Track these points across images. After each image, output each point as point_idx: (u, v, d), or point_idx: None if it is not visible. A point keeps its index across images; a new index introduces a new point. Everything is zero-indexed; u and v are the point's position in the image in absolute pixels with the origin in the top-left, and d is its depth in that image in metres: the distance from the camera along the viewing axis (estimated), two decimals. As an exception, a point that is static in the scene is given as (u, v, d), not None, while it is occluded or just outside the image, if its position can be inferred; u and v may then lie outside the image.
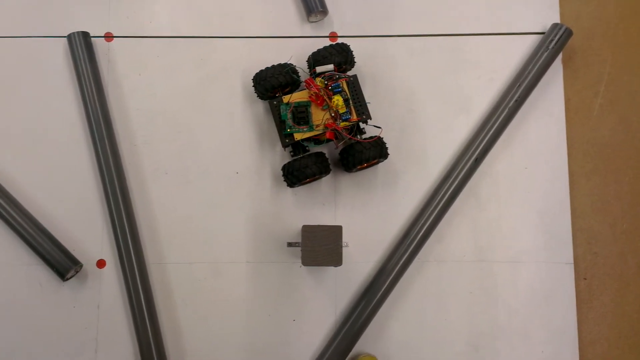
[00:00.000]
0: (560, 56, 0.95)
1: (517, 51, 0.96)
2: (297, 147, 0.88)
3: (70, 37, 0.92)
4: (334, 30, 0.96)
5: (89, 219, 0.89)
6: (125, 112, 0.92)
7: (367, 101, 0.87)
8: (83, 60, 0.91)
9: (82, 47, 0.91)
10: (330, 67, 0.86)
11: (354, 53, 0.89)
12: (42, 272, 0.87)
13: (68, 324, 0.86)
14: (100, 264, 0.88)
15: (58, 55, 0.93)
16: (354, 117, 0.85)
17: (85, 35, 0.92)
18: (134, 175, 0.91)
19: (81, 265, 0.87)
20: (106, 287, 0.88)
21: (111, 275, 0.88)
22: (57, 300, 0.87)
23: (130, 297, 0.85)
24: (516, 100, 0.91)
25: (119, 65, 0.94)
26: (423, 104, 0.94)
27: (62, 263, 0.85)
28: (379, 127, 0.88)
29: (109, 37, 0.95)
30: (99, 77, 0.92)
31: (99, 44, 0.94)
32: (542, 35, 0.95)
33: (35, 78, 0.93)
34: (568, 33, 0.93)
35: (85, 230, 0.89)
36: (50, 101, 0.92)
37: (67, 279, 0.86)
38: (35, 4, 0.95)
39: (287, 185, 0.88)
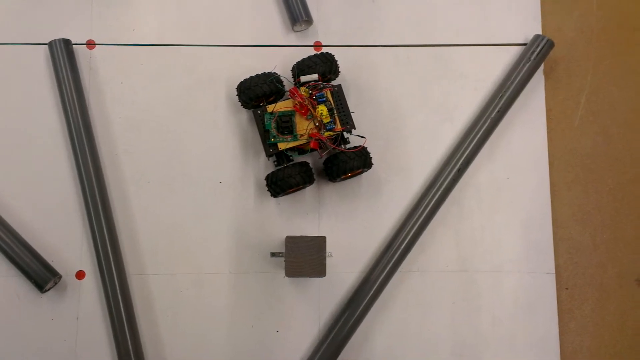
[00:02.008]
0: (542, 67, 0.96)
1: (500, 62, 0.96)
2: (281, 157, 0.87)
3: (51, 44, 0.90)
4: (319, 39, 0.96)
5: (68, 229, 0.87)
6: (107, 121, 0.91)
7: (351, 111, 0.87)
8: (64, 67, 0.89)
9: (63, 55, 0.90)
10: (315, 76, 0.86)
11: (338, 62, 0.89)
12: (19, 283, 0.86)
13: (46, 336, 0.85)
14: (80, 275, 0.87)
15: (39, 63, 0.92)
16: (338, 126, 0.85)
17: (66, 43, 0.91)
18: (115, 184, 0.89)
19: (60, 277, 0.86)
20: (85, 298, 0.86)
21: (91, 287, 0.86)
22: (36, 312, 0.85)
23: (110, 309, 0.83)
24: (498, 111, 0.92)
25: (101, 73, 0.93)
26: (407, 114, 0.94)
27: (40, 274, 0.83)
28: (363, 137, 0.88)
29: (91, 44, 0.94)
30: (80, 84, 0.91)
31: (80, 52, 0.93)
32: (524, 47, 0.96)
33: (15, 85, 0.91)
34: (550, 44, 0.94)
35: (65, 240, 0.87)
36: (30, 109, 0.91)
37: (46, 291, 0.85)
38: (16, 10, 0.94)
39: (271, 195, 0.88)
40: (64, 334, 0.85)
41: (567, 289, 0.91)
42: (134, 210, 0.89)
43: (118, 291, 0.83)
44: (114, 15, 0.95)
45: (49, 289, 0.85)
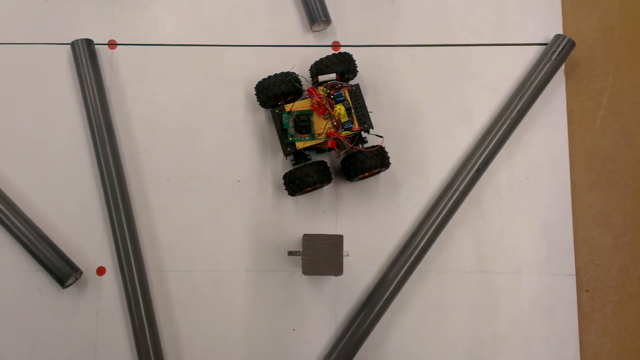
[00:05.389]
0: (562, 67, 0.95)
1: (520, 62, 0.96)
2: (298, 156, 0.88)
3: (73, 44, 0.92)
4: (337, 39, 0.96)
5: (89, 225, 0.89)
6: (127, 120, 0.93)
7: (369, 110, 0.87)
8: (86, 67, 0.91)
9: (85, 54, 0.91)
10: (333, 76, 0.86)
11: (356, 62, 0.89)
12: (41, 278, 0.87)
13: (67, 331, 0.86)
14: (100, 271, 0.88)
15: (61, 62, 0.94)
16: (356, 126, 0.85)
17: (88, 43, 0.92)
18: (135, 182, 0.91)
19: (81, 273, 0.87)
20: (106, 294, 0.87)
21: (111, 283, 0.87)
22: (57, 307, 0.87)
23: (130, 305, 0.84)
24: (518, 111, 0.91)
25: (122, 73, 0.94)
26: (425, 114, 0.94)
27: (62, 270, 0.84)
28: (381, 137, 0.88)
29: (112, 44, 0.95)
30: (102, 84, 0.92)
31: (102, 52, 0.95)
32: (544, 47, 0.95)
33: (38, 85, 0.93)
34: (570, 44, 0.93)
35: (86, 237, 0.88)
36: (52, 108, 0.92)
37: (67, 286, 0.86)
38: (39, 10, 0.96)
39: (289, 194, 0.88)
40: (84, 329, 0.86)
41: (587, 291, 0.90)
42: (153, 208, 0.90)
43: (138, 287, 0.84)
44: (135, 16, 0.96)
45: (70, 285, 0.86)
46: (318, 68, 0.88)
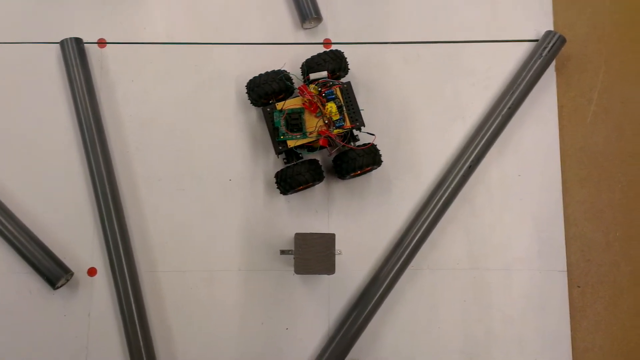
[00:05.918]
0: (553, 63, 0.95)
1: (511, 58, 0.96)
2: (290, 154, 0.87)
3: (63, 43, 0.91)
4: (328, 36, 0.96)
5: (80, 226, 0.88)
6: (118, 119, 0.92)
7: (360, 108, 0.87)
8: (76, 66, 0.90)
9: (74, 53, 0.90)
10: (324, 73, 0.86)
11: (348, 60, 0.89)
12: (32, 280, 0.86)
13: (59, 332, 0.86)
14: (92, 272, 0.87)
15: (51, 61, 0.93)
16: (348, 124, 0.85)
17: (78, 42, 0.91)
18: (126, 182, 0.90)
19: (72, 274, 0.86)
20: (97, 295, 0.87)
21: (102, 284, 0.87)
22: (48, 308, 0.86)
23: (122, 306, 0.84)
24: (509, 108, 0.91)
25: (112, 72, 0.93)
26: (417, 111, 0.94)
27: (52, 271, 0.84)
28: (373, 135, 0.87)
29: (102, 43, 0.94)
30: (92, 83, 0.91)
31: (92, 50, 0.94)
32: (535, 43, 0.95)
33: (27, 84, 0.92)
34: (561, 40, 0.93)
35: (76, 237, 0.88)
36: (42, 107, 0.92)
37: (58, 287, 0.85)
38: (28, 9, 0.95)
39: (280, 193, 0.88)
40: (75, 330, 0.86)
41: (579, 287, 0.90)
42: (144, 208, 0.89)
43: (129, 288, 0.84)
44: (125, 14, 0.95)
45: (61, 286, 0.86)
46: (309, 66, 0.87)
